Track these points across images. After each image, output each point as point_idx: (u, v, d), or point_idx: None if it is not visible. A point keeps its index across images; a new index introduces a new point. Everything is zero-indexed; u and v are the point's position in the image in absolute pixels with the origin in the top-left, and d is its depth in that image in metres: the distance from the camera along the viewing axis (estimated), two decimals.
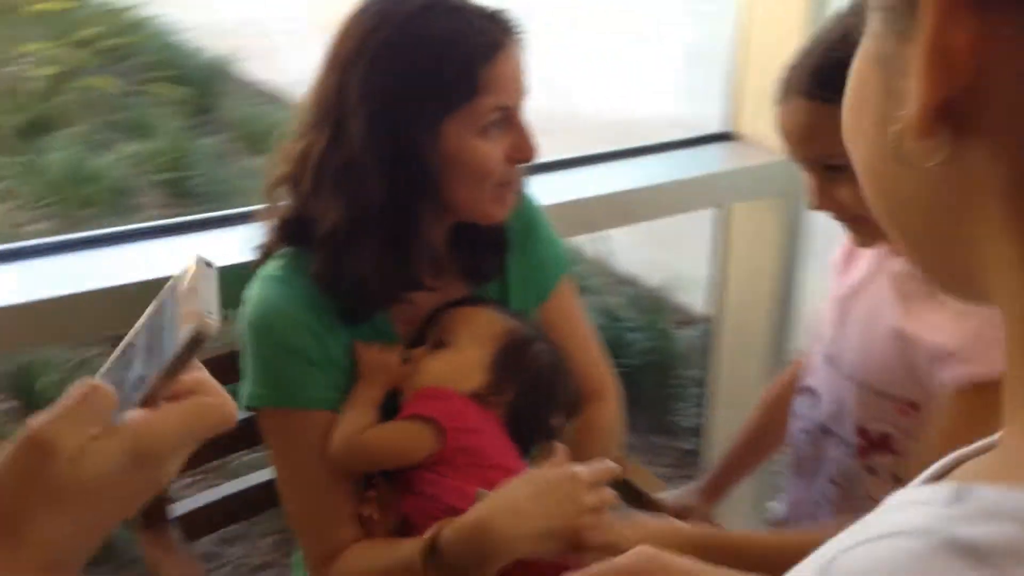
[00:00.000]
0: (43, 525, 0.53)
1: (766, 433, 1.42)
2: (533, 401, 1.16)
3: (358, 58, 1.05)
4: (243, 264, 1.18)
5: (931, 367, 1.06)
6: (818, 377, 1.24)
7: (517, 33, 1.11)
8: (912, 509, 0.37)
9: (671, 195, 1.79)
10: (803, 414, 1.27)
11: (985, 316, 0.94)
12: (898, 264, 1.12)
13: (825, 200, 1.10)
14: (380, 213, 1.08)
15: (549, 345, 1.19)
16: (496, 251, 1.23)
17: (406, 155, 1.06)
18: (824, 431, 1.22)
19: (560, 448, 1.05)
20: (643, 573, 0.74)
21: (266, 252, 1.17)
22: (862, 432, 1.17)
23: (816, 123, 1.04)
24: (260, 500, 1.38)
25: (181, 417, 0.56)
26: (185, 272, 0.60)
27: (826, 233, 1.33)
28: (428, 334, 1.16)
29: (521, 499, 0.98)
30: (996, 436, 0.42)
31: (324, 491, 1.13)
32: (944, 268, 0.43)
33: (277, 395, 1.12)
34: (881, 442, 1.14)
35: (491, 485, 1.01)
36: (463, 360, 1.13)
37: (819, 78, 1.04)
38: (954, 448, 0.51)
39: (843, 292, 1.22)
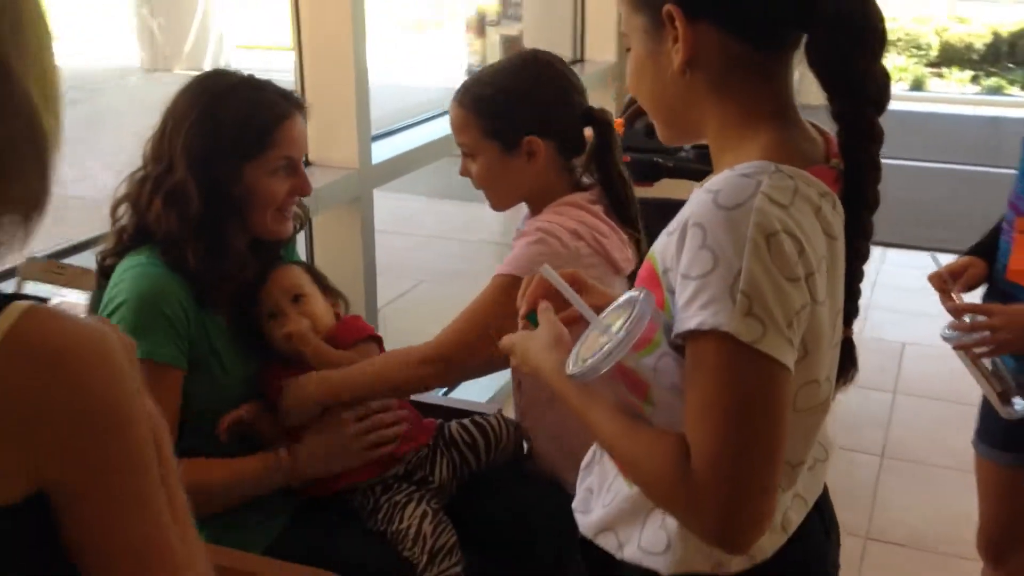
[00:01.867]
0: None
1: None
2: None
3: (184, 118, 1.52)
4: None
5: None
6: None
7: (301, 106, 1.61)
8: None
9: None
10: None
11: (521, 246, 1.61)
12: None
13: (466, 172, 1.71)
14: (199, 225, 1.50)
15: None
16: (275, 260, 1.69)
17: (216, 186, 1.51)
18: None
19: None
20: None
21: (111, 255, 1.55)
22: None
23: (459, 122, 1.68)
24: None
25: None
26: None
27: None
28: (274, 300, 1.62)
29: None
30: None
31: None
32: (688, 129, 1.07)
33: (143, 348, 1.40)
34: None
35: None
36: (322, 298, 1.66)
37: (466, 94, 1.67)
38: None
39: None
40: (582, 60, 4.02)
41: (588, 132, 1.70)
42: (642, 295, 0.95)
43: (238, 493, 1.54)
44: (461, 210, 5.28)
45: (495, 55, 7.38)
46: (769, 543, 1.01)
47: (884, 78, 0.97)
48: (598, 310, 1.04)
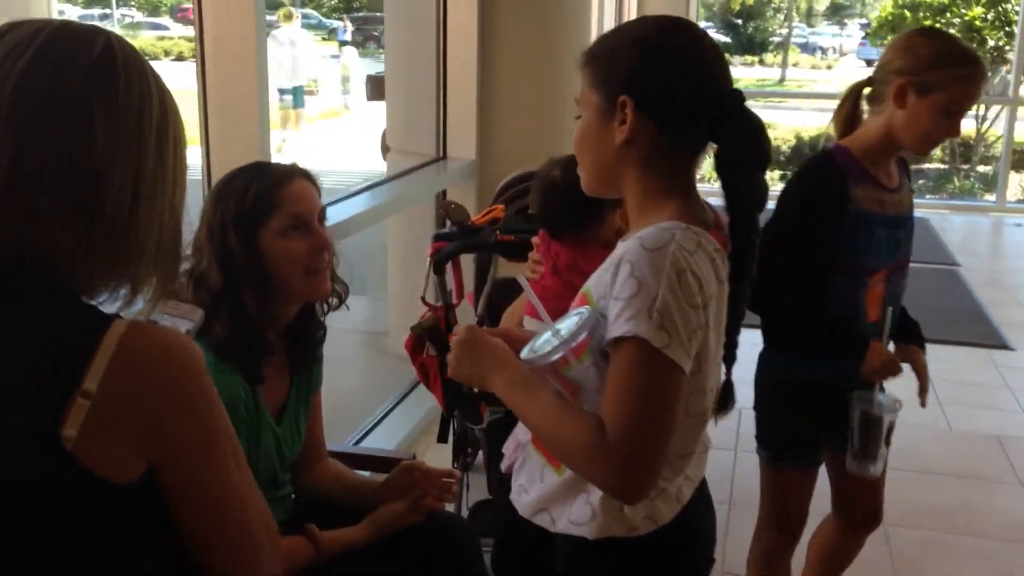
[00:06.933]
0: None
1: None
2: None
3: (205, 212, 1.72)
4: None
5: None
6: None
7: (307, 174, 1.76)
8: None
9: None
10: None
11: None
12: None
13: None
14: (220, 296, 1.66)
15: None
16: (311, 349, 1.86)
17: (231, 258, 1.66)
18: None
19: None
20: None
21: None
22: None
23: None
24: None
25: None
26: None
27: None
28: None
29: None
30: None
31: None
32: (610, 188, 1.35)
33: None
34: None
35: None
36: None
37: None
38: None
39: None
40: (444, 157, 4.34)
41: None
42: (588, 311, 1.24)
43: None
44: None
45: None
46: (668, 511, 1.30)
47: (765, 187, 1.29)
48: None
